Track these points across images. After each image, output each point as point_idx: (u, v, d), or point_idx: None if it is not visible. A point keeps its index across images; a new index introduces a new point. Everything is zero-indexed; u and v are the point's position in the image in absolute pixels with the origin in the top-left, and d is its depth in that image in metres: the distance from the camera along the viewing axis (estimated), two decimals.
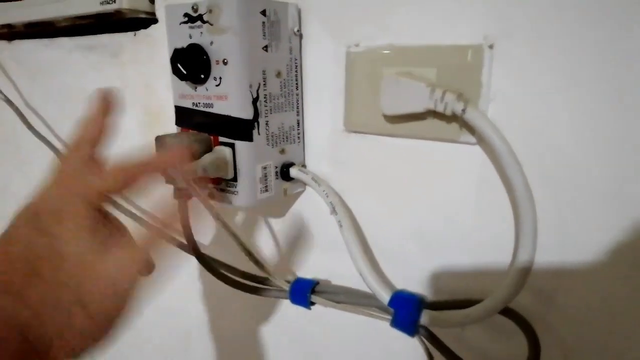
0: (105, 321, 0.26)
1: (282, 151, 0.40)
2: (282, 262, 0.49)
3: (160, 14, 0.50)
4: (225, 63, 0.36)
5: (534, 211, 0.30)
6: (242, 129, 0.37)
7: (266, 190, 0.39)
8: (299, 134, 0.42)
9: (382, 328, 0.38)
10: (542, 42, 0.30)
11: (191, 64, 0.37)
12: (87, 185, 0.28)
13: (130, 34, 0.53)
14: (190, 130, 0.40)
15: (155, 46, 0.51)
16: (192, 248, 0.39)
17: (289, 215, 0.47)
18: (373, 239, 0.41)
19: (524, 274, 0.31)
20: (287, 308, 0.46)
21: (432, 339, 0.36)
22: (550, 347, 0.34)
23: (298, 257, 0.47)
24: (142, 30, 0.52)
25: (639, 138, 0.28)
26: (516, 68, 0.31)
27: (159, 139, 0.37)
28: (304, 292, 0.42)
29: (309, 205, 0.45)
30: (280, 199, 0.41)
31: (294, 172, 0.40)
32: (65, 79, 0.62)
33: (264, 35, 0.36)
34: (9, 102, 0.61)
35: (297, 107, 0.41)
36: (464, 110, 0.30)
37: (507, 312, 0.33)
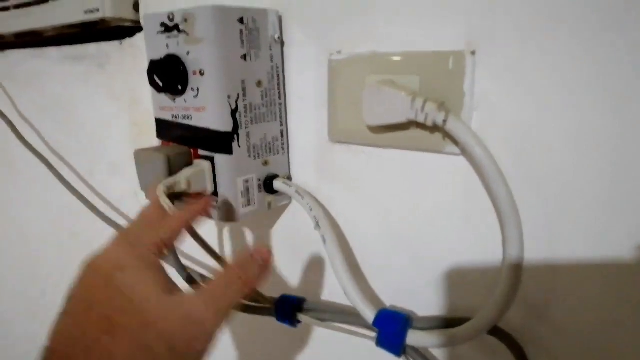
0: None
1: (266, 163, 0.39)
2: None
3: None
4: (202, 74, 0.35)
5: (519, 223, 0.29)
6: (220, 142, 0.36)
7: (249, 204, 0.38)
8: (283, 144, 0.40)
9: (370, 346, 0.37)
10: (526, 48, 0.28)
11: (168, 75, 0.35)
12: (142, 238, 0.28)
13: (116, 42, 0.52)
14: (171, 143, 0.39)
15: (140, 56, 0.50)
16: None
17: (275, 229, 0.45)
18: (360, 252, 0.40)
19: (512, 292, 0.29)
20: (274, 323, 0.45)
21: (421, 359, 0.34)
22: None
23: (285, 272, 0.46)
24: (128, 39, 0.51)
25: (629, 142, 0.26)
26: (500, 75, 0.29)
27: (137, 154, 0.36)
28: (289, 310, 0.40)
29: (297, 218, 0.43)
30: (264, 212, 0.40)
31: (277, 184, 0.39)
32: (54, 89, 0.61)
33: (242, 44, 0.35)
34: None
35: (281, 117, 0.40)
36: (444, 121, 0.28)
37: (496, 331, 0.32)
